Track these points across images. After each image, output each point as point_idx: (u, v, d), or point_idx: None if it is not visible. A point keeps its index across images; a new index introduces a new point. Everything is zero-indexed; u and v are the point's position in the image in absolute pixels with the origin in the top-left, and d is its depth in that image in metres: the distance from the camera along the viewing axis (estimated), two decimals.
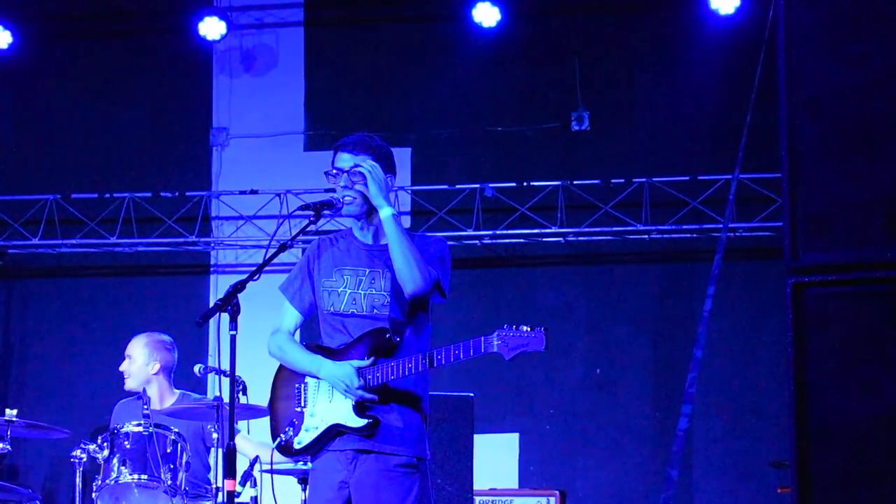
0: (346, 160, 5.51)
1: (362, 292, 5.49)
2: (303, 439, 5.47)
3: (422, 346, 5.49)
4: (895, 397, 3.62)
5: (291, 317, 5.67)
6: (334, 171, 5.52)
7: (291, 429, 5.49)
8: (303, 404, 5.52)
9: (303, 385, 5.54)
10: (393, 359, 5.38)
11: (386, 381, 5.35)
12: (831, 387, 3.68)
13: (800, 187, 3.76)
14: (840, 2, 3.82)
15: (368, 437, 5.36)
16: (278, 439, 5.53)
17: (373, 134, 5.65)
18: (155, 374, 7.90)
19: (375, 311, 5.46)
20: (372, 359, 5.38)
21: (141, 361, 7.91)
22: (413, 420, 5.46)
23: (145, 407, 7.28)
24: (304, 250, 5.96)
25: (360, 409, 5.38)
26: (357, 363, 5.39)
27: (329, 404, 5.45)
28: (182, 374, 8.12)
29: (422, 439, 5.48)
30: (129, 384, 7.96)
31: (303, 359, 5.55)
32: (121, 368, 7.97)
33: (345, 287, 5.51)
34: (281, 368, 5.69)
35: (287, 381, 5.61)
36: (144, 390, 7.78)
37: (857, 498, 3.65)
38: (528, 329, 5.29)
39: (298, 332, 5.72)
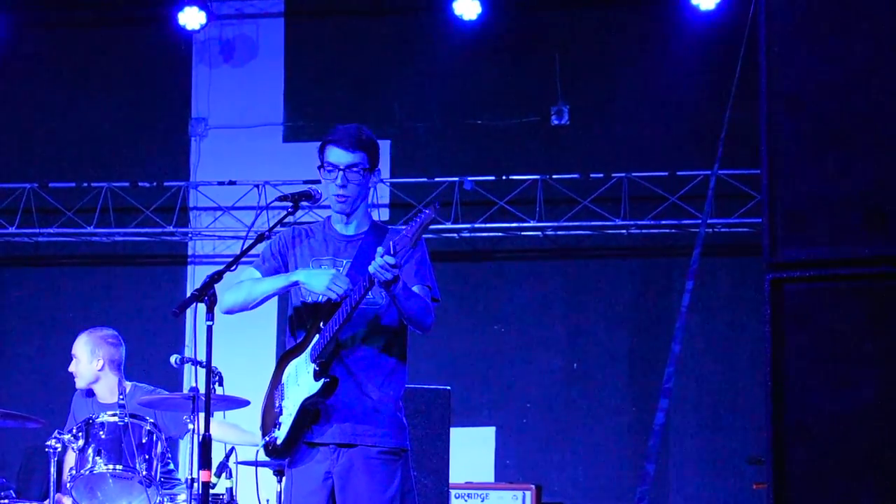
0: (340, 156, 5.41)
1: None
2: (281, 433, 5.43)
3: (398, 328, 5.47)
4: (871, 394, 3.63)
5: (254, 277, 5.52)
6: (329, 167, 5.45)
7: (275, 428, 5.47)
8: (281, 400, 5.47)
9: (280, 385, 5.49)
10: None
11: (335, 334, 5.29)
12: (808, 383, 3.69)
13: (779, 183, 3.77)
14: None
15: (325, 398, 5.31)
16: (263, 441, 5.50)
17: (361, 125, 5.57)
18: (100, 370, 7.82)
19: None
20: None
21: (85, 360, 7.84)
22: (394, 411, 5.46)
23: (121, 397, 7.27)
24: None
25: (317, 374, 5.32)
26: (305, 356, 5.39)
27: (297, 388, 5.41)
28: (158, 364, 8.09)
29: (403, 429, 5.48)
30: (79, 383, 7.91)
31: (273, 279, 5.44)
32: (69, 369, 7.92)
33: None
34: (270, 384, 5.56)
35: (270, 393, 5.54)
36: (91, 390, 7.81)
37: (832, 494, 3.66)
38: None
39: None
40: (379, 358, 5.44)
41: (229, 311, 5.52)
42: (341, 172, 5.41)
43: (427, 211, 5.03)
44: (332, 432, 5.38)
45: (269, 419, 5.51)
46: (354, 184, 5.43)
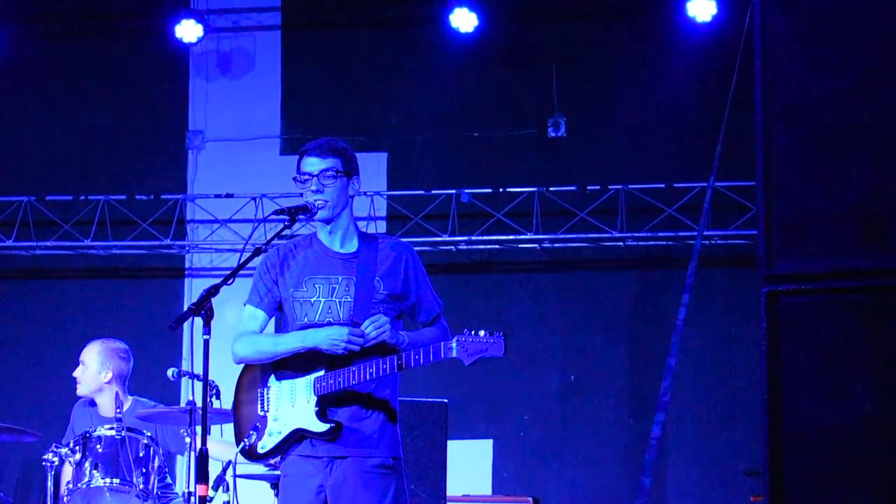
0: (313, 164, 5.47)
1: (337, 300, 5.44)
2: (266, 444, 5.46)
3: (391, 346, 5.46)
4: (867, 405, 3.63)
5: (257, 318, 5.57)
6: (304, 176, 5.47)
7: (255, 433, 5.47)
8: (266, 409, 5.49)
9: (265, 389, 5.51)
10: (363, 360, 5.35)
11: (357, 384, 5.33)
12: (805, 395, 3.69)
13: (775, 195, 3.77)
14: (816, 10, 3.82)
15: (331, 440, 5.34)
16: (242, 444, 5.50)
17: (336, 138, 5.63)
18: (107, 382, 7.78)
19: (353, 318, 5.43)
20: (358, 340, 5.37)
21: (93, 369, 7.80)
22: (387, 422, 5.46)
23: (118, 411, 7.25)
24: None
25: (322, 413, 5.36)
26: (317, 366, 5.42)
27: (291, 409, 5.42)
28: (155, 378, 8.06)
29: (396, 440, 5.48)
30: (81, 390, 7.87)
31: (282, 340, 5.48)
32: (74, 374, 7.88)
33: (318, 297, 5.45)
34: (243, 374, 5.63)
35: (249, 386, 5.57)
36: (93, 400, 7.78)
37: None
38: (487, 334, 5.29)
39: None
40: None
41: (242, 363, 5.61)
42: (315, 178, 5.45)
43: (498, 337, 5.28)
44: (326, 446, 5.38)
45: (248, 419, 5.53)
46: (331, 188, 5.46)
